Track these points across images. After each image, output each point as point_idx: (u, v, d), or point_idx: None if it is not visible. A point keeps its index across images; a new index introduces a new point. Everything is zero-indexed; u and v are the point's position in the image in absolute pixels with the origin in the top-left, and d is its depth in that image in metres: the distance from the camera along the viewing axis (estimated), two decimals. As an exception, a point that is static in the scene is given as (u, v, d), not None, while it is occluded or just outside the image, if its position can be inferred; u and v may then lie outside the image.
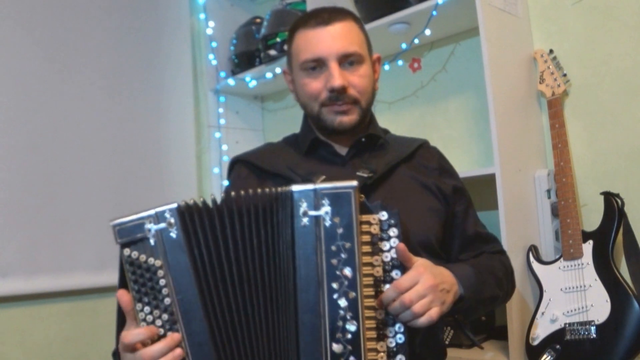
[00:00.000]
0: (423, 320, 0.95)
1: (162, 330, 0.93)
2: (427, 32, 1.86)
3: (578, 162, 1.69)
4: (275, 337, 0.96)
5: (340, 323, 0.92)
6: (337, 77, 1.16)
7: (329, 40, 1.17)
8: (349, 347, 0.91)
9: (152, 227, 0.94)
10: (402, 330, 0.95)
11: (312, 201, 0.94)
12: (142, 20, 2.36)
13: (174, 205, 0.94)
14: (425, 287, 0.96)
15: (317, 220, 0.93)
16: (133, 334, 0.92)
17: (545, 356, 1.46)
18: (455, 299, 1.06)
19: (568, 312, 1.47)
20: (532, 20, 1.80)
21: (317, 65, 1.18)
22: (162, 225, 0.94)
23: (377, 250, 0.96)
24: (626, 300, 1.40)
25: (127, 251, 0.94)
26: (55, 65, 2.09)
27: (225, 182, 2.45)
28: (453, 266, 1.11)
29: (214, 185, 2.50)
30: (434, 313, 0.96)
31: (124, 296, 0.95)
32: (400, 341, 0.94)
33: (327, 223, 0.93)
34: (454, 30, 1.99)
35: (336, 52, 1.17)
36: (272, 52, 2.21)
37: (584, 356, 1.42)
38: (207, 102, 2.55)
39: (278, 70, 2.28)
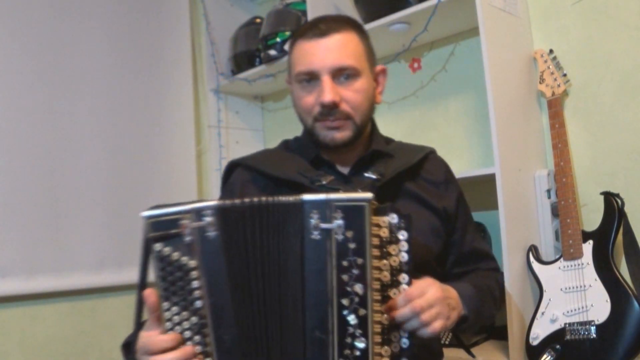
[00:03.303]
0: (427, 331, 0.94)
1: (186, 314, 0.89)
2: (427, 32, 1.86)
3: (578, 162, 1.69)
4: (285, 352, 0.93)
5: (349, 340, 0.89)
6: (327, 92, 1.11)
7: (322, 53, 1.13)
8: None
9: (189, 224, 0.89)
10: (406, 335, 0.94)
11: (324, 213, 0.90)
12: (142, 20, 2.36)
13: (214, 203, 0.91)
14: (434, 297, 0.96)
15: (328, 233, 0.89)
16: (160, 340, 0.89)
17: (545, 356, 1.46)
18: (459, 318, 1.06)
19: (568, 312, 1.47)
20: (532, 20, 1.80)
21: (311, 78, 1.15)
22: (200, 223, 0.89)
23: (385, 255, 0.92)
24: (626, 300, 1.40)
25: (158, 246, 0.89)
26: (55, 65, 2.09)
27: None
28: (456, 285, 1.10)
29: (214, 185, 2.49)
30: (437, 325, 0.95)
31: (151, 296, 0.90)
32: (404, 346, 0.93)
33: (339, 237, 0.89)
34: (454, 30, 1.99)
35: (330, 65, 1.12)
36: (272, 52, 2.21)
37: (584, 356, 1.42)
38: (207, 102, 2.55)
39: (278, 70, 2.28)
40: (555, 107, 1.64)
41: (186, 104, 2.48)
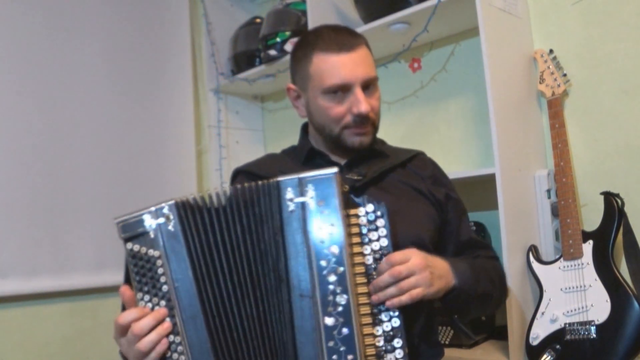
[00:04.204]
0: (404, 299, 0.98)
1: (156, 300, 1.00)
2: (427, 32, 1.86)
3: (578, 162, 1.69)
4: (268, 320, 1.00)
5: (330, 297, 0.97)
6: (364, 103, 1.20)
7: (353, 66, 1.20)
8: (341, 319, 0.96)
9: (152, 221, 1.02)
10: (396, 314, 0.99)
11: (297, 188, 1.00)
12: (142, 20, 2.36)
13: (172, 201, 1.02)
14: (414, 264, 1.01)
15: (303, 205, 1.00)
16: (125, 314, 0.98)
17: (545, 356, 1.46)
18: (448, 289, 1.09)
19: (568, 312, 1.47)
20: (532, 20, 1.80)
21: (342, 90, 1.21)
22: (161, 220, 1.01)
23: (366, 241, 1.01)
24: (626, 300, 1.40)
25: (129, 245, 1.02)
26: (54, 66, 2.09)
27: (225, 183, 2.46)
28: (449, 259, 1.14)
29: (214, 185, 2.50)
30: (416, 293, 0.99)
31: (126, 291, 1.01)
32: (395, 325, 0.99)
33: (312, 206, 0.99)
34: (454, 30, 1.99)
35: (362, 78, 1.20)
36: (272, 52, 2.21)
37: (584, 356, 1.42)
38: (207, 102, 2.55)
39: (278, 70, 2.28)
40: (555, 107, 1.64)
41: (186, 104, 2.48)
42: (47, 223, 2.01)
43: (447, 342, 1.69)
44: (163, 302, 0.99)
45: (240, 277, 1.01)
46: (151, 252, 1.00)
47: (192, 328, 0.99)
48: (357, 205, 1.02)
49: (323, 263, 0.97)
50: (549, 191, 1.64)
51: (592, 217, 1.61)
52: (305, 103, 1.29)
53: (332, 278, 0.97)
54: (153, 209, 1.02)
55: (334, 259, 0.97)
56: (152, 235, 1.01)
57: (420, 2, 1.79)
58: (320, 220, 0.99)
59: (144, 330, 0.97)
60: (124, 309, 1.02)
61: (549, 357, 1.46)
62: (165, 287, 1.00)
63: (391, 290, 0.98)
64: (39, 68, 2.05)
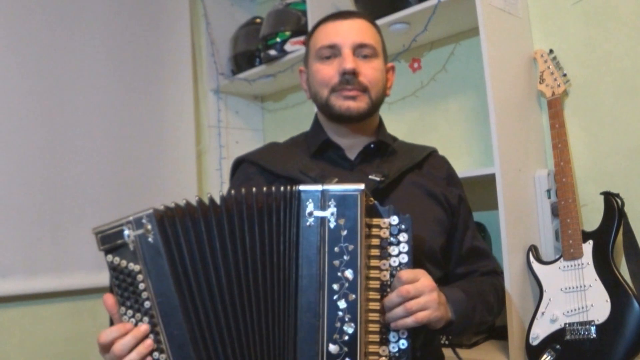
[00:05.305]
0: (409, 321, 0.94)
1: (139, 316, 0.95)
2: (427, 32, 1.86)
3: (578, 162, 1.69)
4: (270, 337, 0.96)
5: (338, 324, 0.92)
6: (349, 60, 1.18)
7: (345, 29, 1.22)
8: (345, 349, 0.92)
9: (130, 233, 0.95)
10: (405, 335, 0.95)
11: (319, 202, 0.94)
12: (142, 20, 2.36)
13: (150, 210, 0.95)
14: (423, 284, 0.97)
15: (322, 221, 0.94)
16: (106, 332, 0.94)
17: (545, 356, 1.46)
18: (446, 323, 1.06)
19: (568, 312, 1.47)
20: (532, 20, 1.79)
21: (332, 53, 1.21)
22: (140, 231, 0.95)
23: (385, 255, 0.96)
24: (626, 300, 1.40)
25: (109, 257, 0.96)
26: (54, 66, 2.09)
27: (225, 183, 2.46)
28: (446, 290, 1.10)
29: (214, 185, 2.49)
30: (421, 316, 0.95)
31: (109, 299, 0.96)
32: (403, 347, 0.94)
33: (332, 224, 0.94)
34: (454, 30, 1.99)
35: (352, 40, 1.20)
36: (272, 52, 2.21)
37: (584, 356, 1.42)
38: (207, 102, 2.55)
39: (278, 70, 2.28)
40: (555, 107, 1.63)
41: (186, 104, 2.48)
42: (47, 223, 2.01)
43: (446, 343, 1.69)
44: (146, 319, 0.94)
45: (243, 291, 0.96)
46: (131, 265, 0.95)
47: (176, 345, 0.94)
48: (380, 215, 0.97)
49: (335, 287, 0.93)
50: (549, 191, 1.64)
51: (592, 217, 1.61)
52: (307, 79, 1.29)
53: (343, 304, 0.92)
54: (131, 218, 0.96)
55: (346, 284, 0.93)
56: (131, 247, 0.95)
57: (420, 2, 1.79)
58: (338, 241, 0.93)
59: (124, 350, 0.92)
60: (111, 320, 0.99)
61: (549, 357, 1.46)
62: (147, 303, 0.94)
63: (399, 311, 0.94)
64: (39, 68, 2.05)
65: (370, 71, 1.20)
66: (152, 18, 2.39)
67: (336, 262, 0.93)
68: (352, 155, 1.26)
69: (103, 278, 2.07)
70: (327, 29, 1.24)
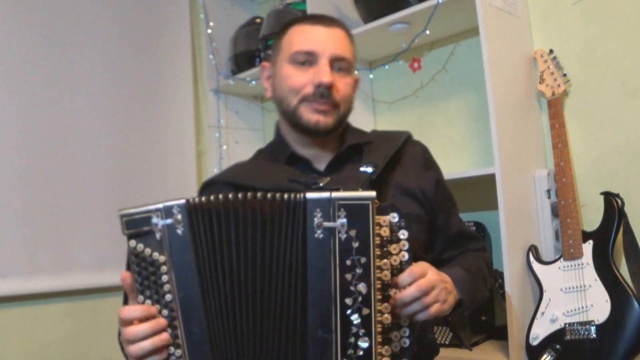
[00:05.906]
0: (422, 316, 0.94)
1: (158, 307, 0.92)
2: (427, 32, 1.86)
3: (578, 162, 1.69)
4: (282, 349, 0.93)
5: (352, 339, 0.89)
6: (327, 73, 1.14)
7: (326, 38, 1.17)
8: None
9: (159, 221, 0.92)
10: (407, 334, 0.93)
11: (327, 211, 0.90)
12: (142, 20, 2.36)
13: (182, 201, 0.92)
14: (432, 279, 0.96)
15: (331, 232, 0.89)
16: (130, 309, 0.91)
17: (545, 356, 1.46)
18: (455, 303, 1.06)
19: (568, 312, 1.47)
20: (532, 20, 1.80)
21: (308, 60, 1.16)
22: (169, 220, 0.92)
23: (386, 254, 0.92)
24: (626, 300, 1.40)
25: (133, 243, 0.92)
26: (55, 65, 2.09)
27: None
28: (448, 270, 1.10)
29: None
30: (434, 309, 0.95)
31: (127, 278, 0.93)
32: (405, 345, 0.93)
33: (343, 236, 0.89)
34: (454, 30, 1.98)
35: (330, 52, 1.16)
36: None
37: (584, 356, 1.42)
38: (207, 102, 2.55)
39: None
40: (555, 107, 1.64)
41: (186, 104, 2.48)
42: (47, 223, 2.01)
43: (446, 343, 1.69)
44: (165, 311, 0.91)
45: (257, 302, 0.92)
46: (155, 255, 0.91)
47: (193, 342, 0.91)
48: (380, 213, 0.92)
49: (348, 301, 0.89)
50: (549, 191, 1.64)
51: (592, 217, 1.61)
52: (271, 76, 1.24)
53: (356, 319, 0.89)
54: (161, 206, 0.91)
55: (360, 299, 0.89)
56: (158, 236, 0.91)
57: (420, 2, 1.79)
58: (349, 253, 0.89)
59: (137, 336, 0.90)
60: (125, 295, 0.96)
61: (549, 357, 1.46)
62: (168, 296, 0.91)
63: (416, 306, 0.92)
64: (40, 69, 2.05)
65: (343, 87, 1.17)
66: (152, 18, 2.39)
67: (348, 276, 0.89)
68: (320, 165, 1.22)
69: (103, 278, 2.10)
70: (305, 32, 1.18)
